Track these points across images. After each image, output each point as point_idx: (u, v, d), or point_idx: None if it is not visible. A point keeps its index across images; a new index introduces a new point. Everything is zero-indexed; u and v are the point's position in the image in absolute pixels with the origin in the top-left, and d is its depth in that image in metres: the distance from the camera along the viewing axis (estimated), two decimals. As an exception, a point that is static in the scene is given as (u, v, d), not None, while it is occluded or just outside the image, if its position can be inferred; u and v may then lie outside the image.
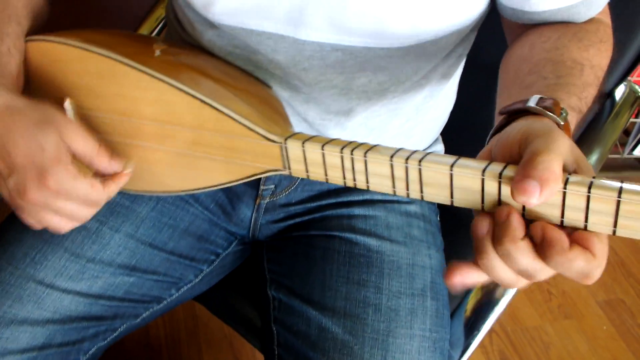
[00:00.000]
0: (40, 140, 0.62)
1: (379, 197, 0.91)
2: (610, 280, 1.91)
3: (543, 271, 0.46)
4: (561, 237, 0.45)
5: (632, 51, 0.97)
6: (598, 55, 0.70)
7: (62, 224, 0.67)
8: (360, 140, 0.57)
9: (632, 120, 2.12)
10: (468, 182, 0.49)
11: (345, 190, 0.91)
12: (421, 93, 0.83)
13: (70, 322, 0.79)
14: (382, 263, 0.84)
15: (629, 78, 1.04)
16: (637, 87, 1.05)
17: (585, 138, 1.03)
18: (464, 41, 0.82)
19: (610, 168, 2.27)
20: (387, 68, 0.77)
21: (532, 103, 0.56)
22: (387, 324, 0.80)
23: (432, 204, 0.97)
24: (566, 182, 0.45)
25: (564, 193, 0.45)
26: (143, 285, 0.85)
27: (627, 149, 2.23)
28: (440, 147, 0.98)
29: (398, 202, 0.91)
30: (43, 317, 0.77)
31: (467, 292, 0.97)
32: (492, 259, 0.47)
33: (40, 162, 0.62)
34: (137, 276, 0.84)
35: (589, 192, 0.44)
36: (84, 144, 0.65)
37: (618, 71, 1.01)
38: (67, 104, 0.71)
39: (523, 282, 0.49)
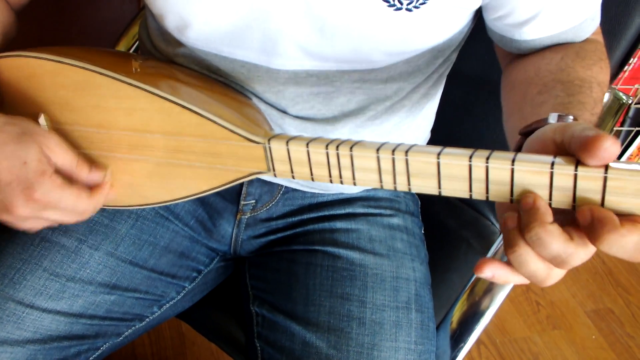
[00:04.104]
0: (22, 155, 0.62)
1: (361, 211, 0.91)
2: (599, 290, 1.92)
3: (575, 255, 0.46)
4: (611, 215, 0.44)
5: (616, 58, 0.96)
6: (601, 73, 0.71)
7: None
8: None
9: (616, 128, 2.11)
10: (455, 169, 0.50)
11: (327, 204, 0.91)
12: (402, 112, 0.83)
13: (52, 342, 0.78)
14: (366, 276, 0.84)
15: (613, 85, 1.03)
16: (621, 94, 1.04)
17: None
18: (445, 61, 0.83)
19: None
20: (363, 88, 0.77)
21: (552, 121, 0.56)
22: (371, 338, 0.79)
23: (416, 217, 0.97)
24: (606, 168, 0.44)
25: (605, 178, 0.44)
26: (124, 303, 0.84)
27: (613, 158, 2.22)
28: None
29: (380, 215, 0.91)
30: (23, 338, 0.76)
31: (453, 304, 0.96)
32: (523, 249, 0.46)
33: (24, 176, 0.62)
34: (118, 294, 0.83)
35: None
36: (64, 155, 0.66)
37: (602, 79, 1.00)
38: (42, 119, 0.70)
39: (555, 275, 0.48)
